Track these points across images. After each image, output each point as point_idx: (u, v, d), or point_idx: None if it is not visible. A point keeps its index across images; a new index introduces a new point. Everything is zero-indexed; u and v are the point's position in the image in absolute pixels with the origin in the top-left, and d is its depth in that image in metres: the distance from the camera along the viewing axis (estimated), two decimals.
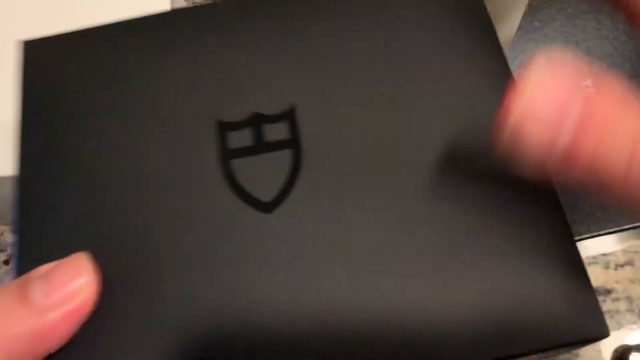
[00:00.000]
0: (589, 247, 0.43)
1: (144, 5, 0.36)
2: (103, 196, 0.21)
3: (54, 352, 0.19)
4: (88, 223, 0.20)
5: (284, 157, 0.21)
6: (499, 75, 0.22)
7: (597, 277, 0.42)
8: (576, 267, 0.20)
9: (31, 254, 0.20)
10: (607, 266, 0.42)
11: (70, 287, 0.18)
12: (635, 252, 0.43)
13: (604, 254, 0.43)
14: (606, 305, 0.42)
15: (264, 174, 0.21)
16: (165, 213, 0.20)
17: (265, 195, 0.21)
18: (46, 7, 0.35)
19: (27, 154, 0.22)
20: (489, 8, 0.23)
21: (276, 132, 0.22)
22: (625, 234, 0.41)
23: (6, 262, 0.41)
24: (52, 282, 0.18)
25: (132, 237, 0.20)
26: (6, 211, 0.38)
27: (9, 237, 0.42)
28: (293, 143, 0.21)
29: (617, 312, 0.41)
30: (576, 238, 0.28)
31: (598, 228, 0.37)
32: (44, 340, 0.18)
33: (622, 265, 0.42)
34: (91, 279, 0.19)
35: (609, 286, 0.42)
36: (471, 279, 0.19)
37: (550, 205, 0.20)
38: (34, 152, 0.22)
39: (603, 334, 0.19)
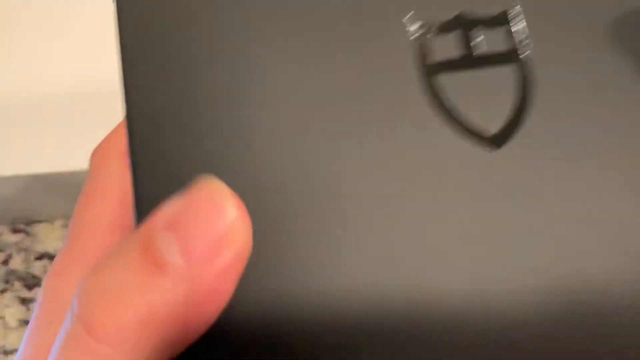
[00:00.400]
0: None
1: None
2: (249, 116, 0.15)
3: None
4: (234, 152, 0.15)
5: (505, 75, 0.16)
6: None
7: None
8: None
9: (151, 190, 0.14)
10: None
11: (217, 231, 0.13)
12: None
13: None
14: None
15: (480, 96, 0.16)
16: (351, 146, 0.15)
17: (489, 125, 0.15)
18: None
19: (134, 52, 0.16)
20: None
21: (493, 41, 0.16)
22: None
23: (5, 263, 0.41)
24: (188, 233, 0.13)
25: (297, 177, 0.15)
26: (6, 211, 0.38)
27: (7, 238, 0.42)
28: (516, 57, 0.16)
29: None
30: None
31: None
32: (200, 309, 0.13)
33: None
34: (240, 212, 0.13)
35: None
36: None
37: None
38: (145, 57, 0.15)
39: None
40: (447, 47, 0.16)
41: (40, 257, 0.41)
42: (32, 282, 0.41)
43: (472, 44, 0.16)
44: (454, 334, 0.14)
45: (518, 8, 0.16)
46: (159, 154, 0.15)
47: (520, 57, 0.16)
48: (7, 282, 0.41)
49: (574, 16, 0.16)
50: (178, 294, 0.12)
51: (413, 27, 0.16)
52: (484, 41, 0.16)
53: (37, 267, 0.41)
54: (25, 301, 0.40)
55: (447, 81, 0.16)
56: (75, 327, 0.13)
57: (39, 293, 0.19)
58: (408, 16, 0.16)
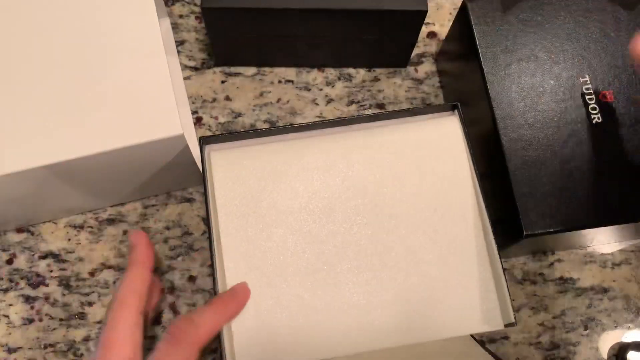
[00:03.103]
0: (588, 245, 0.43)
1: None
2: None
3: None
4: None
5: None
6: None
7: (594, 275, 0.42)
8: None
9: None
10: (604, 265, 0.43)
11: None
12: (632, 251, 0.43)
13: (601, 253, 0.43)
14: (603, 303, 0.42)
15: None
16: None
17: None
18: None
19: None
20: None
21: None
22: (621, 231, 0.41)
23: (9, 262, 0.42)
24: None
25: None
26: (7, 210, 0.39)
27: (12, 237, 0.42)
28: None
29: (614, 310, 0.42)
30: None
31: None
32: None
33: (618, 264, 0.43)
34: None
35: (605, 285, 0.42)
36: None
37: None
38: None
39: None
40: None
41: (44, 256, 0.42)
42: (36, 281, 0.41)
43: None
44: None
45: None
46: None
47: None
48: (11, 281, 0.41)
49: None
50: None
51: None
52: None
53: (41, 266, 0.42)
54: (29, 300, 0.41)
55: None
56: None
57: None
58: None
